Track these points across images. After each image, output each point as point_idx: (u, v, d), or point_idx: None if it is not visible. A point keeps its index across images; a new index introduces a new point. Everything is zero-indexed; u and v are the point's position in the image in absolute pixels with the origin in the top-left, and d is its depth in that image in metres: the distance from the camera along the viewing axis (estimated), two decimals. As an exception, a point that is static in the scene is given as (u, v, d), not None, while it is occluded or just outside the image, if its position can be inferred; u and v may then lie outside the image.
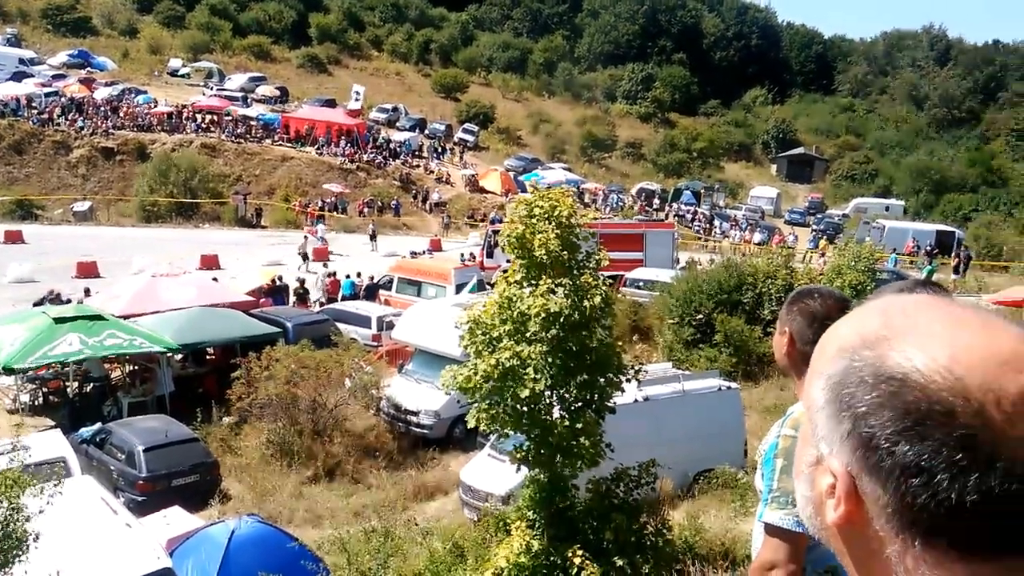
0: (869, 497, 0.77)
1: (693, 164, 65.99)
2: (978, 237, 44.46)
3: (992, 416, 0.71)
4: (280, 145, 50.13)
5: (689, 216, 49.55)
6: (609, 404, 9.78)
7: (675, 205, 51.68)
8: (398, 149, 53.03)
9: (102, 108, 48.86)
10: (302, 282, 26.79)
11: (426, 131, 58.88)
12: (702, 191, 55.26)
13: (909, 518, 0.74)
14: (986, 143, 73.83)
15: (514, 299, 9.43)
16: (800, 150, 72.00)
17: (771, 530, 2.11)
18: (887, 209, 52.80)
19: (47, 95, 49.18)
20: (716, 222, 48.08)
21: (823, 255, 32.84)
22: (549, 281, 9.29)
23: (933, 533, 0.73)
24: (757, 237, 43.25)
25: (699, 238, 45.12)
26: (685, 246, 39.94)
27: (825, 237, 43.52)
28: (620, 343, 10.35)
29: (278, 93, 59.62)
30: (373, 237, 38.33)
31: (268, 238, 39.38)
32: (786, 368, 2.36)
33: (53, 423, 16.62)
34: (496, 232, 28.80)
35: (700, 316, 21.88)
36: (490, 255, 29.79)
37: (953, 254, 38.41)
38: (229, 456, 16.17)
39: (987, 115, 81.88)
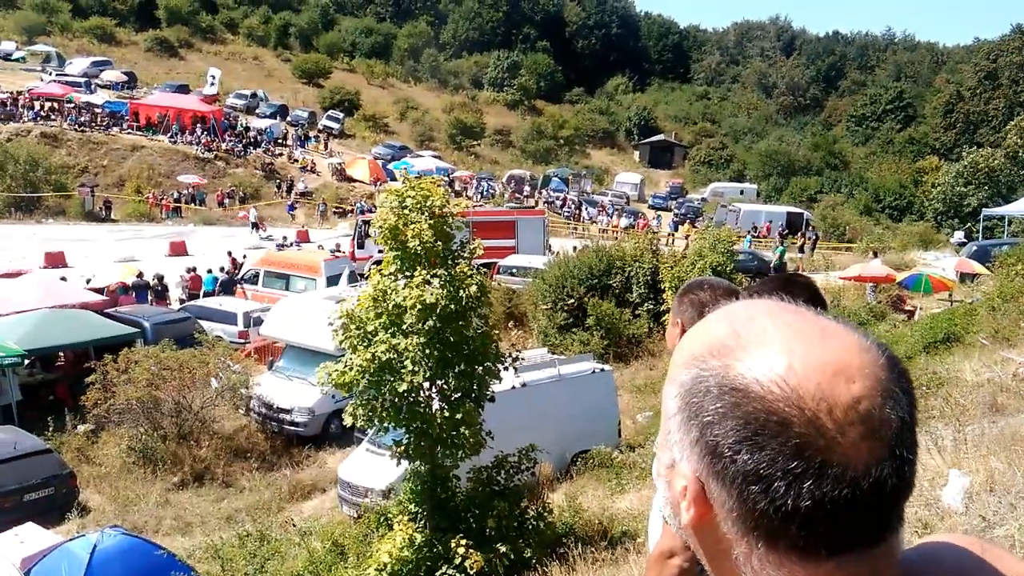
0: (717, 501, 0.80)
1: (560, 151, 67.19)
2: (824, 218, 47.58)
3: (824, 425, 0.75)
4: (129, 134, 47.22)
5: (559, 202, 50.41)
6: (488, 392, 9.80)
7: (544, 192, 52.44)
8: (259, 137, 51.11)
9: (-78, 94, 44.51)
10: (160, 278, 25.41)
11: (288, 118, 57.04)
12: (570, 177, 56.35)
13: (752, 522, 0.77)
14: (829, 128, 79.00)
15: (389, 291, 9.27)
16: (660, 137, 74.66)
17: None
18: (742, 193, 55.66)
19: None
20: (584, 208, 49.15)
21: (686, 238, 34.22)
22: (424, 272, 9.19)
23: (773, 536, 0.77)
24: (623, 222, 44.52)
25: (569, 224, 45.99)
26: (555, 232, 40.64)
27: (687, 221, 45.36)
28: (496, 331, 10.36)
29: (125, 78, 56.05)
30: (256, 226, 37.00)
31: (120, 233, 37.03)
32: None
33: None
34: (366, 223, 28.38)
35: (572, 300, 22.34)
36: (361, 246, 29.25)
37: (800, 234, 41.02)
38: (87, 466, 15.14)
39: (829, 102, 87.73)
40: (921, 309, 20.80)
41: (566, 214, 48.26)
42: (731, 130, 77.08)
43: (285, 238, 33.41)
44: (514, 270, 27.64)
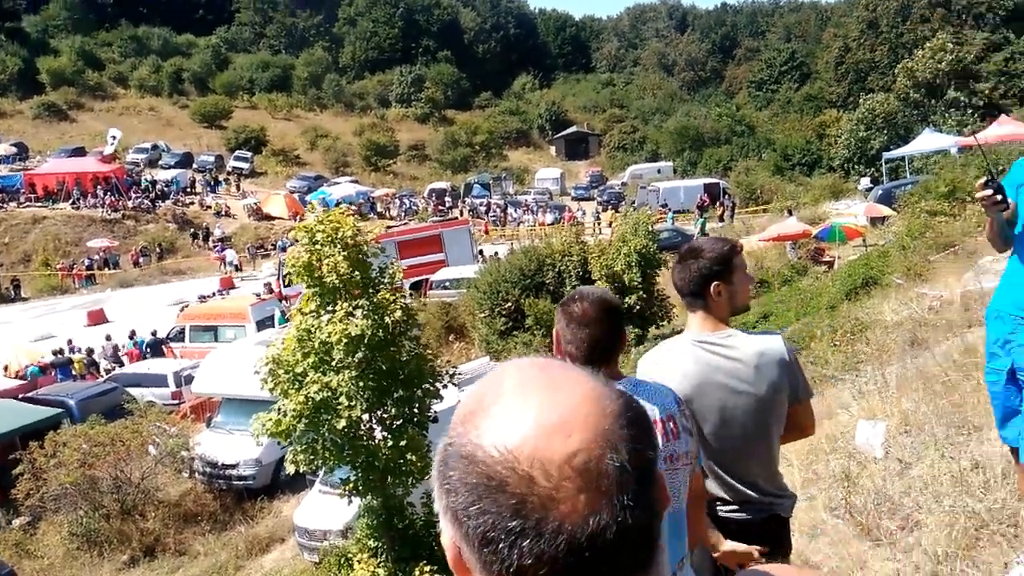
0: (470, 564, 0.82)
1: (478, 157, 67.20)
2: (739, 184, 48.64)
3: (539, 483, 0.77)
4: (27, 206, 45.37)
5: (483, 208, 50.37)
6: (430, 414, 9.64)
7: (468, 200, 52.34)
8: (166, 189, 49.74)
9: None
10: (90, 352, 24.46)
11: (194, 165, 55.64)
12: (491, 182, 56.40)
13: None
14: (731, 97, 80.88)
15: (313, 329, 9.03)
16: (573, 129, 75.32)
17: None
18: (659, 172, 56.48)
19: None
20: (510, 210, 49.22)
21: (610, 225, 34.53)
22: (345, 305, 8.98)
23: None
24: (549, 218, 44.72)
25: (496, 228, 45.99)
26: (485, 238, 40.58)
27: (610, 207, 45.81)
28: (429, 351, 10.19)
29: (15, 150, 53.85)
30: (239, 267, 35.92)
31: (33, 310, 35.53)
32: None
33: None
34: (288, 259, 27.84)
35: (508, 304, 22.31)
36: (288, 284, 28.61)
37: (718, 203, 41.87)
38: (27, 561, 14.41)
39: (728, 72, 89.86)
40: (839, 258, 21.39)
41: (492, 219, 48.24)
42: (640, 112, 78.21)
43: (202, 296, 31.58)
44: (447, 283, 27.48)
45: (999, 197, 3.35)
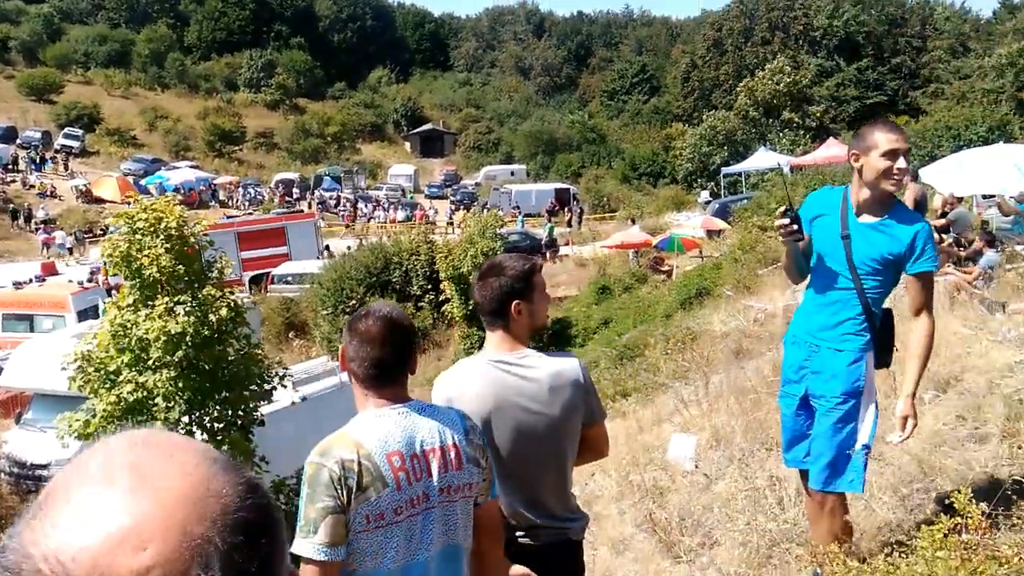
0: None
1: (329, 149, 65.59)
2: (589, 190, 50.13)
3: None
4: None
5: (333, 202, 49.25)
6: (256, 416, 9.30)
7: (317, 192, 51.02)
8: (-16, 164, 45.49)
9: None
10: None
11: (18, 140, 51.16)
12: (342, 175, 55.23)
13: None
14: (584, 105, 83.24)
15: (129, 325, 8.49)
16: (429, 126, 75.09)
17: (303, 560, 2.11)
18: (512, 174, 57.30)
19: None
20: (360, 205, 48.38)
21: (459, 225, 34.69)
22: (166, 300, 8.50)
23: None
24: (400, 215, 44.32)
25: (346, 225, 45.10)
26: (332, 233, 39.68)
27: (463, 207, 45.99)
28: (259, 351, 9.82)
29: None
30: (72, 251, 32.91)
31: None
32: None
33: None
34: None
35: (353, 302, 21.94)
36: (112, 272, 26.84)
37: (567, 209, 42.96)
38: None
39: (582, 79, 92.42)
40: (677, 268, 22.47)
41: (342, 213, 47.25)
42: (496, 114, 79.02)
43: (17, 282, 28.79)
44: (289, 278, 26.67)
45: (795, 227, 3.44)
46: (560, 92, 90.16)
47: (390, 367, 2.31)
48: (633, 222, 30.08)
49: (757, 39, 64.23)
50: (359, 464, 2.16)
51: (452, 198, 51.32)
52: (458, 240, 22.60)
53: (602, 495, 6.29)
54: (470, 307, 19.12)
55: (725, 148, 48.89)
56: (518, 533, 2.79)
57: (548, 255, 29.19)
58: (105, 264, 27.60)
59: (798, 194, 19.90)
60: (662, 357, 12.14)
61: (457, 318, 19.77)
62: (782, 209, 3.49)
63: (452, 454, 2.29)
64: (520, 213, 40.73)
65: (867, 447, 3.47)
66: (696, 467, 5.80)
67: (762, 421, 6.10)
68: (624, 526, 5.27)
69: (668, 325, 15.04)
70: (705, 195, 42.01)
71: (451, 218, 43.11)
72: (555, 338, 19.05)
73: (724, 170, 41.57)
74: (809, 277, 3.71)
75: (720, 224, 26.15)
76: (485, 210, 30.98)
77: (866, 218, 3.45)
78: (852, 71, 59.94)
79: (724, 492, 5.11)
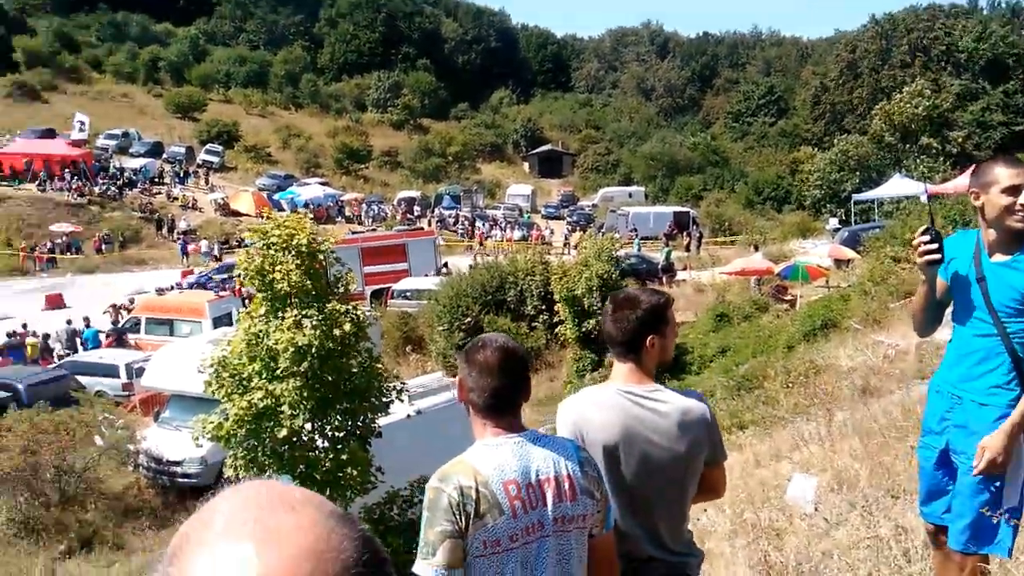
0: None
1: (450, 168, 67.19)
2: (709, 214, 49.18)
3: None
4: (-7, 185, 44.51)
5: (452, 220, 50.35)
6: (374, 428, 9.60)
7: (437, 211, 52.29)
8: (133, 177, 49.05)
9: None
10: (45, 337, 24.01)
11: (164, 155, 54.96)
12: (462, 194, 56.41)
13: None
14: (707, 127, 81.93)
15: (261, 335, 8.97)
16: (548, 147, 75.72)
17: None
18: (631, 196, 56.93)
19: None
20: (478, 223, 49.28)
21: (576, 247, 34.76)
22: (295, 313, 8.93)
23: None
24: (517, 234, 44.83)
25: (463, 242, 46.00)
26: (451, 251, 40.55)
27: (579, 228, 46.04)
28: (379, 365, 10.15)
29: (-16, 127, 52.88)
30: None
31: (-10, 290, 34.76)
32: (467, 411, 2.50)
33: None
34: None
35: (468, 319, 22.32)
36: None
37: (686, 233, 42.24)
38: (-39, 547, 14.08)
39: (706, 101, 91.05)
40: (801, 297, 21.69)
41: (460, 231, 48.23)
42: (615, 135, 78.87)
43: (160, 288, 31.10)
44: (408, 293, 27.40)
45: (936, 247, 3.25)
46: (682, 113, 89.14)
47: (507, 397, 2.37)
48: (756, 248, 29.29)
49: (895, 61, 61.46)
50: (476, 491, 2.23)
51: (569, 219, 51.47)
52: (573, 262, 22.63)
53: (715, 531, 6.15)
54: (583, 329, 19.10)
55: (857, 174, 46.98)
56: (633, 565, 2.80)
57: (665, 279, 28.79)
58: (240, 276, 29.23)
59: (936, 225, 18.82)
60: (782, 390, 11.76)
61: (570, 340, 19.77)
62: (923, 228, 3.32)
63: (566, 485, 2.33)
64: (637, 236, 40.39)
65: (1015, 510, 3.25)
66: (816, 510, 5.58)
67: (888, 466, 5.80)
68: (737, 566, 5.13)
69: (789, 357, 14.53)
70: (834, 222, 40.39)
71: (567, 239, 43.22)
72: (671, 365, 18.75)
73: (855, 197, 39.92)
74: (952, 322, 3.51)
75: (849, 253, 25.08)
76: (601, 232, 30.93)
77: (999, 257, 3.26)
78: (999, 95, 56.41)
79: (845, 539, 4.90)
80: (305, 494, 0.79)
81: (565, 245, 40.59)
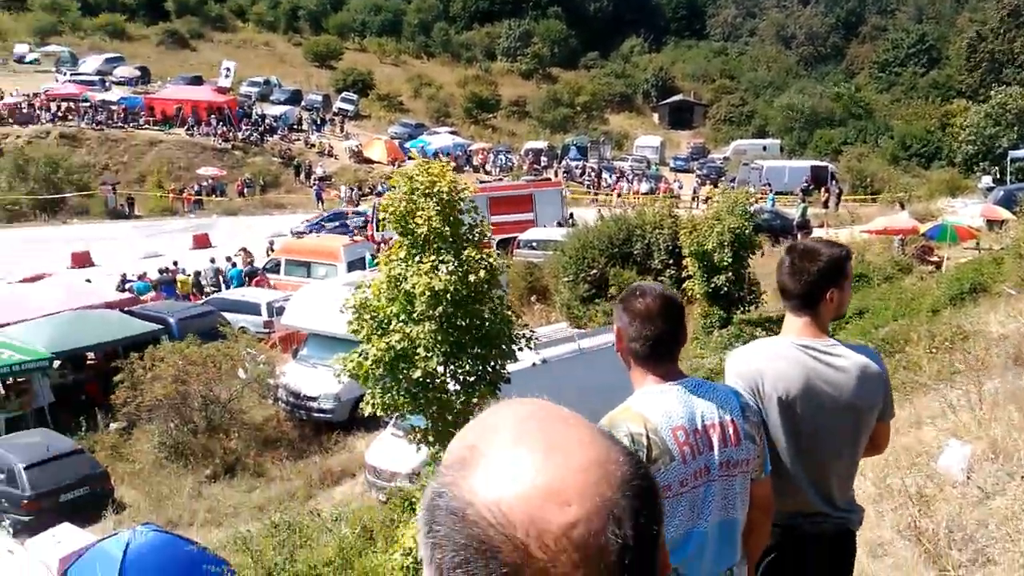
0: None
1: (578, 118, 66.47)
2: (850, 169, 46.67)
3: (533, 555, 0.72)
4: (146, 129, 47.52)
5: (578, 171, 50.02)
6: (504, 374, 9.78)
7: (564, 161, 52.03)
8: (274, 124, 51.20)
9: (-57, 103, 45.09)
10: (197, 274, 25.72)
11: (303, 103, 57.00)
12: (589, 145, 55.82)
13: None
14: (851, 77, 77.26)
15: (400, 278, 9.24)
16: (679, 97, 73.54)
17: None
18: (765, 149, 54.72)
19: None
20: (604, 175, 48.72)
21: (707, 200, 33.83)
22: (432, 258, 9.14)
23: None
24: (644, 187, 44.07)
25: (588, 193, 45.65)
26: (576, 202, 40.36)
27: (709, 182, 44.75)
28: (510, 312, 10.29)
29: (139, 74, 56.32)
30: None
31: (144, 229, 37.45)
32: (623, 361, 2.48)
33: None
34: (384, 204, 28.39)
35: (594, 271, 22.23)
36: (379, 228, 29.24)
37: (824, 189, 40.27)
38: (121, 463, 15.48)
39: (850, 49, 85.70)
40: (948, 259, 20.39)
41: (586, 183, 47.87)
42: (751, 85, 75.61)
43: (298, 231, 32.61)
44: (534, 243, 27.54)
45: None
46: (824, 63, 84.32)
47: (668, 343, 2.38)
48: (901, 206, 27.65)
49: (1065, 7, 55.87)
50: (647, 437, 2.25)
51: (698, 172, 50.09)
52: (703, 215, 22.06)
53: (856, 495, 5.95)
54: (712, 285, 18.66)
55: (1015, 129, 43.34)
56: (797, 520, 2.80)
57: (799, 237, 27.66)
58: (371, 220, 30.26)
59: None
60: (925, 355, 11.20)
61: (698, 295, 19.36)
62: None
63: (731, 430, 2.34)
64: (771, 191, 38.87)
65: None
66: (968, 479, 5.32)
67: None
68: (882, 530, 4.99)
69: (934, 321, 13.73)
70: (987, 180, 37.53)
71: (696, 192, 42.13)
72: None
73: (1012, 154, 36.97)
74: None
75: (1004, 213, 23.28)
76: (733, 186, 29.95)
77: None
78: None
79: (1003, 509, 4.67)
80: (574, 414, 0.82)
81: (694, 199, 39.59)
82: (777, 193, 39.03)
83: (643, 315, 2.35)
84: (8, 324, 17.99)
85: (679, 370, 2.43)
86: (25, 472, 13.43)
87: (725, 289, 18.73)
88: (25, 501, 13.29)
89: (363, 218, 33.61)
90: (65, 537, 11.22)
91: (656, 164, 54.34)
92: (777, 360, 2.76)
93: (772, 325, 16.31)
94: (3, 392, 17.64)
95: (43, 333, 17.34)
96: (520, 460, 0.76)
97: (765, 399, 2.69)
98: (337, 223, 32.31)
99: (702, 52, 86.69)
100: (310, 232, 30.30)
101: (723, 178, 44.03)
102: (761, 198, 34.94)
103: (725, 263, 18.30)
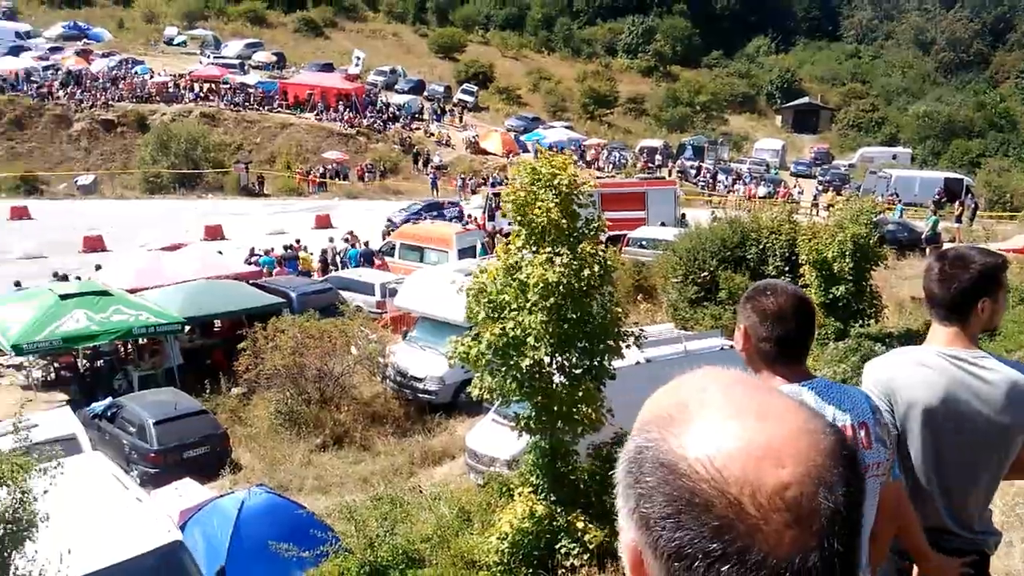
0: (652, 570, 0.80)
1: (697, 118, 65.31)
2: (988, 184, 43.99)
3: (746, 510, 0.74)
4: (279, 112, 49.83)
5: (693, 171, 49.19)
6: (609, 369, 9.82)
7: (679, 161, 51.27)
8: (397, 112, 52.63)
9: (101, 80, 48.54)
10: (323, 252, 26.86)
11: (425, 93, 58.34)
12: (706, 145, 54.77)
13: None
14: (995, 86, 72.69)
15: (515, 267, 9.41)
16: (805, 100, 71.10)
17: None
18: (894, 158, 52.27)
19: (45, 68, 48.85)
20: (720, 176, 47.72)
21: (828, 207, 32.62)
22: (548, 250, 9.27)
23: None
24: (762, 191, 42.93)
25: (702, 194, 44.82)
26: (688, 203, 39.74)
27: (831, 188, 43.12)
28: (619, 309, 10.32)
29: (275, 59, 59.05)
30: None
31: (271, 207, 39.34)
32: (746, 362, 2.41)
33: (66, 398, 16.85)
34: (497, 195, 28.79)
35: (704, 274, 21.87)
36: (491, 218, 29.72)
37: (958, 202, 38.07)
38: (239, 426, 16.36)
39: (996, 57, 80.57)
40: (1094, 285, 18.98)
41: (700, 184, 47.01)
42: (883, 90, 72.30)
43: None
44: (643, 242, 27.30)
45: None
46: (966, 70, 79.59)
47: (799, 344, 2.31)
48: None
49: None
50: None
51: (820, 178, 48.37)
52: (824, 223, 21.32)
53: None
54: (830, 295, 18.06)
55: None
56: (931, 534, 2.70)
57: (928, 251, 26.33)
58: (484, 209, 30.75)
59: None
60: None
61: (815, 304, 18.78)
62: None
63: (862, 433, 2.30)
64: (899, 201, 37.11)
65: None
66: None
67: None
68: (1011, 560, 4.77)
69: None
70: None
71: (816, 199, 40.68)
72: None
73: None
74: None
75: None
76: (858, 194, 28.80)
77: None
78: None
79: None
80: (773, 386, 0.88)
81: (814, 205, 38.26)
82: (906, 204, 37.21)
83: (774, 314, 2.27)
84: (147, 288, 19.34)
85: (808, 371, 2.38)
86: (154, 427, 14.39)
87: (844, 300, 18.08)
88: (152, 454, 14.25)
89: (457, 209, 34.28)
90: (186, 491, 11.99)
91: (776, 168, 52.78)
92: (919, 368, 2.66)
93: (893, 341, 15.65)
94: (139, 352, 19.03)
95: (177, 299, 18.55)
96: (734, 421, 0.79)
97: (903, 407, 2.61)
98: (434, 213, 33.00)
99: (833, 54, 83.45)
100: (407, 221, 31.06)
101: (847, 185, 42.34)
102: (888, 208, 33.44)
103: (845, 273, 17.66)
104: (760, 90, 73.97)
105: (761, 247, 21.89)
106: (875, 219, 19.47)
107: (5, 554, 6.79)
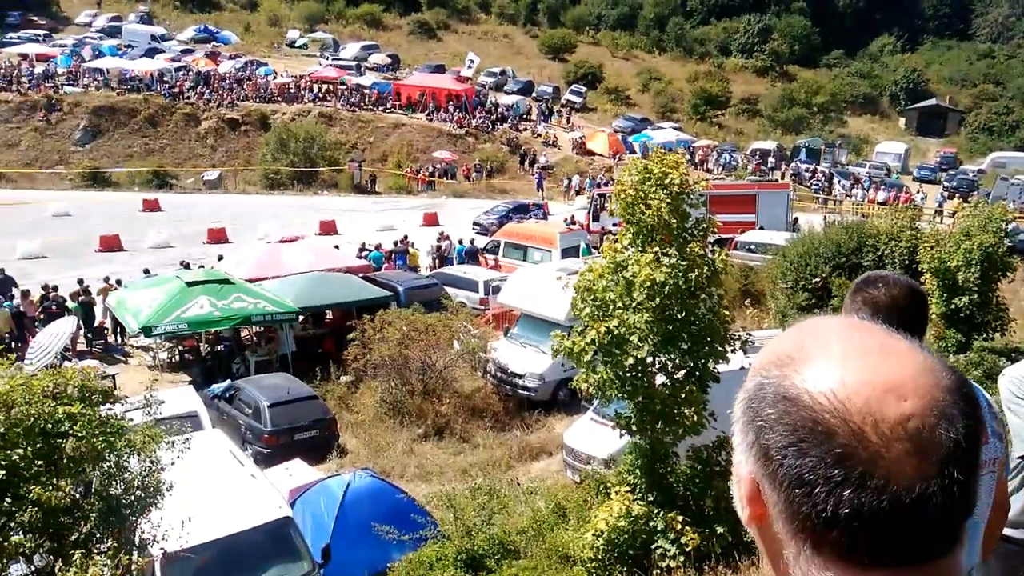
0: (769, 501, 0.84)
1: (813, 119, 63.05)
2: None
3: (869, 438, 0.77)
4: (392, 112, 51.20)
5: (808, 174, 47.57)
6: (713, 373, 9.69)
7: (793, 163, 49.70)
8: (505, 113, 53.16)
9: (227, 81, 51.16)
10: (437, 248, 27.51)
11: (533, 94, 58.67)
12: (823, 148, 52.86)
13: (798, 524, 0.82)
14: None
15: (622, 265, 9.40)
16: (932, 101, 67.53)
17: None
18: (1029, 163, 49.05)
19: (177, 70, 51.89)
20: (836, 180, 45.96)
21: (952, 215, 30.95)
22: (656, 249, 9.22)
23: (818, 540, 0.81)
24: (881, 196, 41.11)
25: (816, 198, 43.28)
26: (802, 207, 38.49)
27: (957, 195, 40.88)
28: (727, 311, 10.16)
29: (389, 61, 60.71)
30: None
31: (381, 204, 40.50)
32: None
33: (188, 379, 17.88)
34: (602, 196, 28.70)
35: (816, 280, 21.17)
36: (596, 219, 29.65)
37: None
38: (346, 413, 16.96)
39: None
40: None
41: (815, 187, 45.41)
42: (1019, 92, 67.85)
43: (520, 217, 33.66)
44: (752, 246, 26.66)
45: None
46: (1114, 70, 73.77)
47: (913, 337, 2.28)
48: None
49: None
50: None
51: (946, 183, 45.91)
52: (949, 230, 20.28)
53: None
54: (952, 306, 17.15)
55: None
56: None
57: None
58: (589, 210, 30.72)
59: None
60: None
61: (935, 316, 17.86)
62: None
63: None
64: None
65: None
66: None
67: None
68: None
69: None
70: None
71: (940, 205, 38.65)
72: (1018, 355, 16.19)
73: None
74: None
75: None
76: (987, 201, 27.19)
77: None
78: None
79: None
80: (896, 333, 0.89)
81: (937, 212, 36.38)
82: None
83: (886, 305, 2.18)
84: (265, 279, 20.30)
85: None
86: (269, 410, 15.11)
87: (967, 311, 17.12)
88: (266, 435, 14.95)
89: (542, 210, 34.38)
90: (296, 471, 12.55)
91: (897, 172, 50.42)
92: None
93: (1020, 356, 14.74)
94: (256, 338, 20.00)
95: (292, 289, 19.39)
96: (857, 358, 0.82)
97: None
98: (520, 215, 33.25)
99: (963, 54, 78.94)
100: (493, 224, 31.37)
101: (975, 192, 40.03)
102: (1020, 217, 31.46)
103: (970, 283, 16.73)
104: (883, 91, 70.75)
105: (879, 254, 21.02)
106: (1006, 227, 18.38)
107: (133, 518, 7.30)
